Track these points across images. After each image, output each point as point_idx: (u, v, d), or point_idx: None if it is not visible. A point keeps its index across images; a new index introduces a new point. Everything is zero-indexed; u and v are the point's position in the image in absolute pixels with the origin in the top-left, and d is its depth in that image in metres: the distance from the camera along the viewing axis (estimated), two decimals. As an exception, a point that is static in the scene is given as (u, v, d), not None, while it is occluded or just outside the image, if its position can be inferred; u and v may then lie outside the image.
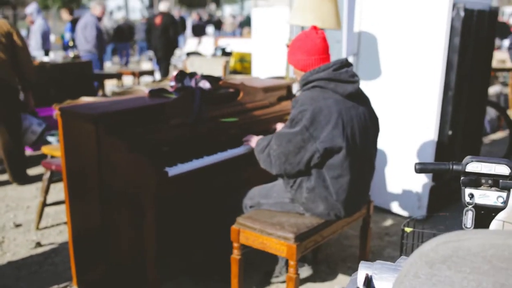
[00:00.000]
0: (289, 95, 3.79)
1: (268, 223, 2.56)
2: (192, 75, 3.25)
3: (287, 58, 2.75)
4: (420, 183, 4.05)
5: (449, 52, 3.80)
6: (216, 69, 7.39)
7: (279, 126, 3.19)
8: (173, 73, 3.22)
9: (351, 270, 3.28)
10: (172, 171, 2.57)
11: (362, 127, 2.60)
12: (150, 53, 13.00)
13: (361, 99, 2.66)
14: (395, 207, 4.22)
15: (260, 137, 2.92)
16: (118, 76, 8.66)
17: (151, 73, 9.38)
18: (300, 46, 2.64)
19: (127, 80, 10.12)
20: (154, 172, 2.45)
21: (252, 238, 2.57)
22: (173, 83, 3.23)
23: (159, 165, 2.57)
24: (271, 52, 6.78)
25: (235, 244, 2.64)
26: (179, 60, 15.47)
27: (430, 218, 4.16)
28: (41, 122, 5.51)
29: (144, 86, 5.69)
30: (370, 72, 4.11)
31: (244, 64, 10.98)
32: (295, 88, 4.13)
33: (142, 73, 9.09)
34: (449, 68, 3.82)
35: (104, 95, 8.14)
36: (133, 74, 8.91)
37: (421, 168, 1.78)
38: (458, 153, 4.17)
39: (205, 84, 3.10)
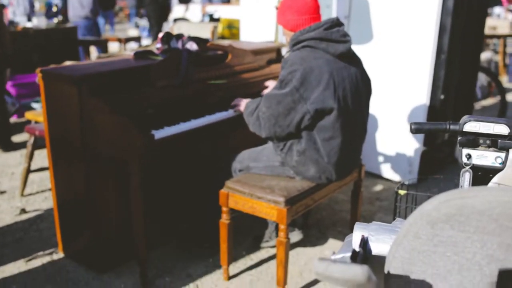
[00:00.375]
0: (278, 58, 3.70)
1: (257, 187, 2.50)
2: (179, 36, 3.14)
3: (277, 18, 2.65)
4: (411, 147, 4.01)
5: (442, 15, 3.71)
6: (204, 34, 7.23)
7: (271, 84, 3.11)
8: (159, 35, 3.11)
9: (342, 234, 3.25)
10: (159, 134, 2.50)
11: (354, 88, 2.53)
12: (138, 20, 12.75)
13: (353, 59, 2.59)
14: (386, 172, 4.19)
15: (249, 100, 2.85)
16: (104, 42, 8.46)
17: (137, 39, 9.19)
18: (290, 6, 2.54)
19: (113, 46, 9.92)
20: (140, 135, 2.37)
21: (242, 202, 2.52)
22: (159, 45, 3.12)
23: (145, 128, 2.49)
24: (260, 18, 6.61)
25: (224, 209, 2.59)
26: (166, 27, 15.21)
27: (422, 182, 4.12)
28: (15, 102, 5.38)
29: (130, 51, 5.55)
30: (362, 35, 4.02)
31: (232, 30, 10.78)
32: (285, 52, 4.04)
33: (129, 39, 8.90)
34: (442, 31, 3.73)
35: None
36: (119, 40, 8.72)
37: (417, 128, 1.72)
38: (450, 118, 4.12)
39: (192, 46, 3.00)
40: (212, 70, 3.06)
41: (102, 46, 8.49)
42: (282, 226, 2.41)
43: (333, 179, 2.60)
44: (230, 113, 2.90)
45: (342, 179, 2.68)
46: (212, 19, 10.80)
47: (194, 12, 14.49)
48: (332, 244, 3.13)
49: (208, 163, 3.09)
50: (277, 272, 2.48)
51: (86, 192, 2.65)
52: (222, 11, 11.54)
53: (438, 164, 4.39)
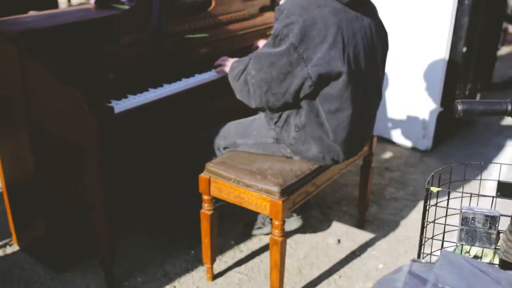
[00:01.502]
0: (273, 5, 3.11)
1: (246, 171, 2.00)
2: (151, -21, 2.56)
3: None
4: (426, 108, 3.48)
5: (468, -50, 3.10)
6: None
7: (262, 44, 2.55)
8: (126, -23, 2.53)
9: (348, 215, 2.78)
10: (120, 105, 1.97)
11: (367, 46, 1.99)
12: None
13: (366, 7, 2.03)
14: (397, 137, 3.68)
15: (236, 59, 2.31)
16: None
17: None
18: None
19: None
20: (93, 114, 1.84)
21: (226, 190, 2.02)
22: (126, -9, 2.54)
23: (102, 100, 1.97)
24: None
25: (205, 197, 2.09)
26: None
27: (435, 148, 3.64)
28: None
29: None
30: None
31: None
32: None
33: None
34: (467, -31, 3.14)
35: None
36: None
37: (466, 109, 1.21)
38: (472, 74, 3.58)
39: (166, -9, 2.42)
40: (191, 21, 2.49)
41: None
42: (276, 222, 1.92)
43: (340, 160, 2.09)
44: (213, 75, 2.36)
45: (351, 158, 2.18)
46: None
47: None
48: (337, 228, 2.66)
49: (185, 137, 2.56)
50: (271, 276, 2.01)
51: (36, 174, 2.15)
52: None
53: (454, 126, 3.87)
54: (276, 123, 2.08)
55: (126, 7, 2.43)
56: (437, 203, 1.63)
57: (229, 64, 2.29)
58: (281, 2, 1.95)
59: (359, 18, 1.95)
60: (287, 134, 2.05)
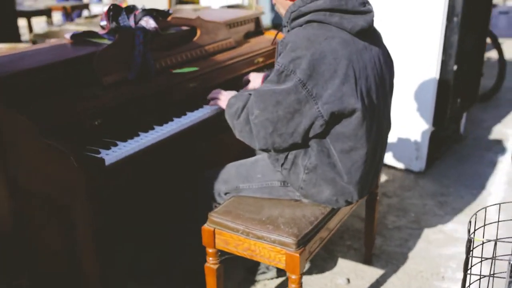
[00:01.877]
0: (257, 30, 2.95)
1: (255, 221, 1.81)
2: (130, 10, 2.36)
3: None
4: (418, 129, 3.37)
5: (455, -34, 3.01)
6: (160, 1, 6.35)
7: (254, 77, 2.38)
8: (104, 8, 2.32)
9: (352, 250, 2.61)
10: (111, 156, 1.75)
11: (378, 77, 1.83)
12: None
13: (373, 35, 1.88)
14: (389, 159, 3.55)
15: (232, 93, 2.12)
16: (47, 12, 7.45)
17: (85, 7, 8.18)
18: (284, -39, 1.80)
19: (58, 16, 8.86)
20: (82, 163, 1.63)
21: (234, 243, 1.83)
22: (104, 22, 2.34)
23: (89, 151, 1.75)
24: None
25: (210, 250, 1.89)
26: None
27: (429, 169, 3.53)
28: None
29: (74, 25, 4.68)
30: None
31: (190, -9, 9.85)
32: (266, 19, 3.29)
33: (75, 7, 7.89)
34: (455, -14, 3.05)
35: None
36: (65, 9, 7.71)
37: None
38: (462, 90, 3.49)
39: (149, 22, 2.22)
40: (177, 54, 2.31)
41: (47, 16, 7.51)
42: (293, 276, 1.74)
43: (354, 201, 1.93)
44: (206, 112, 2.16)
45: (364, 196, 2.02)
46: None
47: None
48: (344, 266, 2.49)
49: (182, 183, 2.35)
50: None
51: (16, 232, 1.91)
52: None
53: (444, 144, 3.78)
54: (282, 164, 1.90)
55: (106, 41, 2.23)
56: (472, 249, 1.47)
57: (224, 98, 2.10)
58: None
59: (368, 48, 1.80)
60: (296, 177, 1.88)
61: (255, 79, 2.36)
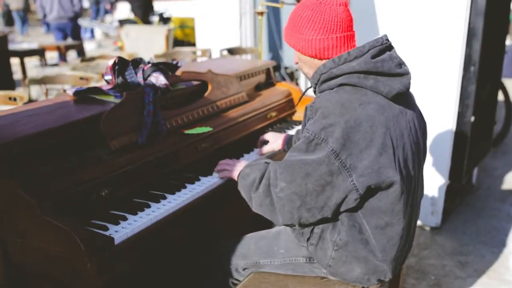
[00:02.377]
0: (268, 81, 2.80)
1: (280, 305, 1.62)
2: (137, 63, 2.20)
3: (285, 36, 1.76)
4: (434, 183, 3.21)
5: (471, 15, 2.91)
6: (158, 40, 6.25)
7: (274, 138, 2.21)
8: (109, 61, 2.16)
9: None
10: (120, 233, 1.56)
11: (414, 144, 1.67)
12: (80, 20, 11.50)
13: (407, 97, 1.73)
14: (403, 213, 3.37)
15: (242, 162, 1.92)
16: (40, 52, 7.32)
17: (79, 46, 8.05)
18: (312, 19, 1.64)
19: (50, 56, 8.72)
20: (88, 247, 1.43)
21: (257, 331, 1.63)
22: (109, 77, 2.17)
23: (96, 227, 1.56)
24: (220, 16, 5.73)
25: (228, 337, 1.69)
26: (110, 27, 13.98)
27: (444, 224, 3.36)
28: None
29: (70, 68, 4.52)
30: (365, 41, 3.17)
31: (185, 30, 9.82)
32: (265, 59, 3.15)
33: (69, 47, 7.77)
34: (471, 35, 2.94)
35: (25, 77, 6.83)
36: (59, 49, 7.58)
37: None
38: (479, 141, 3.36)
39: (159, 79, 2.06)
40: (188, 112, 2.14)
41: (40, 56, 7.38)
42: None
43: (386, 279, 1.74)
44: (218, 178, 1.98)
45: (396, 272, 1.83)
46: (162, 18, 9.77)
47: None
48: None
49: (195, 257, 2.14)
50: None
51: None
52: (173, 9, 10.51)
53: (458, 196, 3.62)
54: (308, 239, 1.71)
55: (112, 98, 2.06)
56: None
57: (236, 168, 1.90)
58: (315, 101, 1.61)
59: (403, 112, 1.65)
60: (323, 253, 1.69)
61: (275, 140, 2.19)
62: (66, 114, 1.85)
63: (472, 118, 3.09)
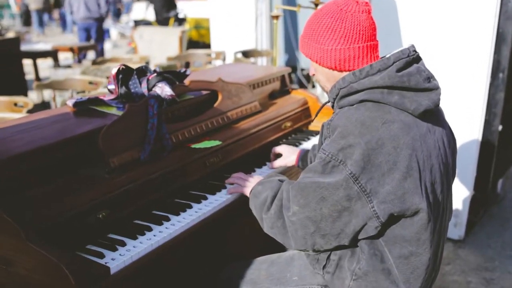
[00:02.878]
0: (283, 89, 2.65)
1: None
2: (142, 72, 2.06)
3: (301, 46, 1.60)
4: (458, 194, 3.03)
5: (500, 19, 2.72)
6: (171, 42, 6.13)
7: (287, 152, 2.07)
8: (113, 70, 2.03)
9: None
10: (118, 260, 1.43)
11: (443, 165, 1.51)
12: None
13: (436, 113, 1.57)
14: (425, 227, 3.20)
15: (256, 178, 1.79)
16: (53, 53, 7.25)
17: (92, 47, 7.97)
18: (331, 27, 1.48)
19: (65, 58, 8.66)
20: (80, 280, 1.30)
21: None
22: (112, 86, 2.04)
23: (91, 254, 1.42)
24: (234, 16, 5.60)
25: None
26: (126, 27, 13.93)
27: (468, 236, 3.18)
28: None
29: (80, 72, 4.42)
30: (385, 47, 3.00)
31: (200, 31, 9.70)
32: (280, 61, 3.00)
33: (82, 48, 7.69)
34: (500, 40, 2.75)
35: (37, 79, 6.76)
36: (72, 50, 7.51)
37: None
38: (506, 150, 3.17)
39: (165, 90, 1.92)
40: (196, 124, 2.00)
41: (53, 58, 7.31)
42: None
43: (410, 312, 1.58)
44: (228, 197, 1.83)
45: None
46: (177, 19, 9.66)
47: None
48: None
49: (198, 283, 1.99)
50: None
51: None
52: (188, 9, 10.40)
53: (482, 207, 3.44)
54: (324, 267, 1.56)
55: (114, 110, 1.93)
56: None
57: (248, 184, 1.77)
58: (333, 119, 1.45)
59: (431, 130, 1.48)
60: (341, 283, 1.54)
61: (289, 155, 2.05)
62: (63, 128, 1.72)
63: (500, 127, 2.90)
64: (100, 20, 8.42)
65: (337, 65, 1.50)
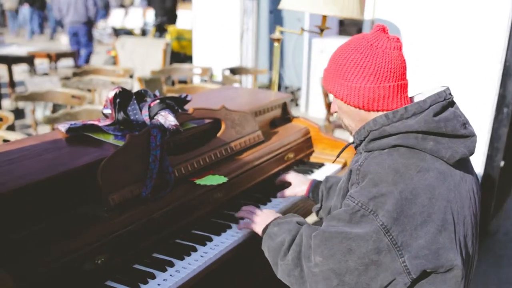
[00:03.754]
0: (284, 117, 2.53)
1: None
2: (141, 96, 1.92)
3: (325, 81, 1.48)
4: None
5: (508, 52, 2.66)
6: (155, 54, 5.96)
7: (297, 181, 1.94)
8: (109, 93, 1.87)
9: None
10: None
11: (474, 216, 1.40)
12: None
13: (467, 162, 1.46)
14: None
15: (270, 213, 1.67)
16: (29, 60, 6.99)
17: (72, 55, 7.73)
18: (361, 63, 1.37)
19: (40, 62, 8.38)
20: None
21: None
22: (108, 111, 1.88)
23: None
24: (219, 30, 5.48)
25: None
26: (104, 34, 13.66)
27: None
28: None
29: (61, 87, 4.23)
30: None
31: (182, 42, 9.53)
32: (264, 79, 2.88)
33: (60, 55, 7.45)
34: (506, 74, 2.69)
35: (12, 83, 6.50)
36: (49, 56, 7.26)
37: None
38: (508, 185, 3.11)
39: (168, 119, 1.77)
40: (199, 156, 1.85)
41: (29, 64, 7.06)
42: None
43: None
44: (236, 235, 1.70)
45: None
46: (158, 29, 9.48)
47: (134, 17, 13.09)
48: None
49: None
50: None
51: None
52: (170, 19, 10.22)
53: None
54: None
55: (111, 139, 1.77)
56: None
57: (259, 220, 1.64)
58: (360, 163, 1.33)
59: (463, 179, 1.38)
60: None
61: (299, 185, 1.92)
62: (56, 160, 1.55)
63: (502, 163, 2.83)
64: (88, 23, 8.25)
65: (365, 105, 1.38)
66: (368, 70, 1.36)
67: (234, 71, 4.81)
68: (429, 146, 1.30)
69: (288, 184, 1.99)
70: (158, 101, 1.83)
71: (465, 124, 1.36)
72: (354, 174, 1.34)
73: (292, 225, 1.51)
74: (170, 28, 9.32)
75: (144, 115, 1.80)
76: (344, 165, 2.37)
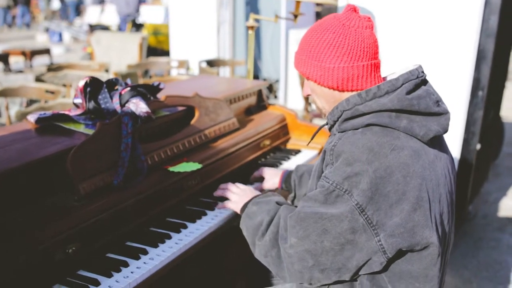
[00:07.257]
0: (260, 104, 2.51)
1: None
2: (112, 84, 1.88)
3: (297, 63, 1.45)
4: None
5: (481, 36, 2.67)
6: (131, 49, 5.89)
7: (270, 175, 1.92)
8: (80, 82, 1.83)
9: None
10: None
11: (449, 194, 1.40)
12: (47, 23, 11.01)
13: (441, 139, 1.46)
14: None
15: (247, 190, 1.65)
16: (3, 57, 6.87)
17: (46, 51, 7.61)
18: (334, 43, 1.35)
19: (16, 62, 8.24)
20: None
21: None
22: (79, 100, 1.84)
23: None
24: (196, 23, 5.43)
25: None
26: (80, 31, 13.48)
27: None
28: None
29: (35, 82, 4.14)
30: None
31: (158, 37, 9.45)
32: (242, 70, 2.86)
33: (35, 52, 7.32)
34: (480, 58, 2.70)
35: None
36: (24, 54, 7.14)
37: None
38: (485, 169, 3.13)
39: (140, 106, 1.74)
40: (173, 144, 1.82)
41: (4, 62, 6.93)
42: None
43: None
44: (211, 221, 1.67)
45: None
46: (134, 24, 9.38)
47: (110, 14, 12.94)
48: None
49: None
50: None
51: None
52: (146, 14, 10.14)
53: (457, 228, 3.38)
54: (321, 303, 1.42)
55: (82, 128, 1.73)
56: None
57: (240, 198, 1.62)
58: (335, 144, 1.31)
59: (438, 157, 1.37)
60: (340, 322, 1.40)
61: (271, 178, 1.90)
62: (25, 149, 1.51)
63: (478, 146, 2.85)
64: None
65: (339, 85, 1.36)
66: (341, 49, 1.34)
67: (211, 63, 4.77)
68: (402, 124, 1.29)
69: (262, 179, 1.97)
70: (129, 88, 1.80)
71: (438, 101, 1.35)
72: (328, 154, 1.33)
73: (271, 205, 1.50)
74: (146, 23, 9.24)
75: (115, 103, 1.76)
76: (321, 150, 2.36)
